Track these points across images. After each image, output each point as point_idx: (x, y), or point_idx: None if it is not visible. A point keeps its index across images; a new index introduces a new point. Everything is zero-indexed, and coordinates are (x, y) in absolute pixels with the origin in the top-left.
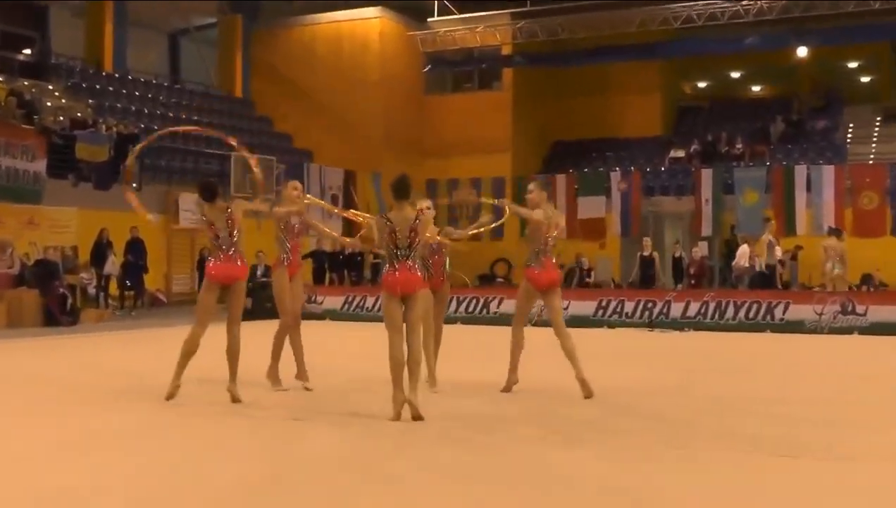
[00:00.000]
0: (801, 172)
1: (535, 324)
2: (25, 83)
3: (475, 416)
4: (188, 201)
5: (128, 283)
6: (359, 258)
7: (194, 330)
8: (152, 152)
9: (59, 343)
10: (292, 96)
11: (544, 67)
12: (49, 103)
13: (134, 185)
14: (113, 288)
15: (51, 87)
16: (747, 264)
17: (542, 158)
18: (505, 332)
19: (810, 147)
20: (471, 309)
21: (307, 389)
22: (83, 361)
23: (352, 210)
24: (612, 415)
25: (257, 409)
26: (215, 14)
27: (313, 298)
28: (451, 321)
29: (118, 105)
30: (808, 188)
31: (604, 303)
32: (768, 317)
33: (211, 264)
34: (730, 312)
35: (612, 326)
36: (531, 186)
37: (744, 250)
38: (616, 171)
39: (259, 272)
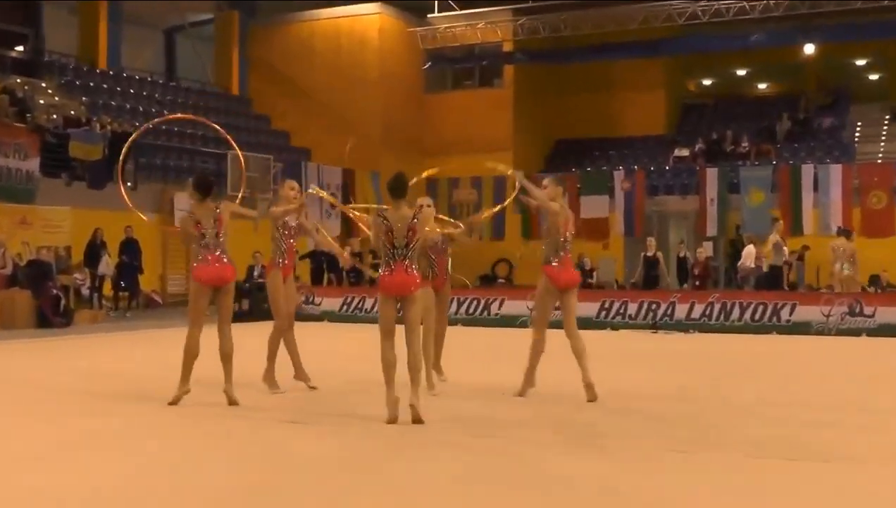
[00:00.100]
0: (807, 171)
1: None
2: (18, 81)
3: (475, 418)
4: (184, 200)
5: (122, 284)
6: (358, 259)
7: (192, 333)
8: (147, 151)
9: (52, 345)
10: (290, 94)
11: (546, 64)
12: (42, 101)
13: (129, 183)
14: (107, 289)
15: (44, 84)
16: (753, 265)
17: (545, 157)
18: (506, 334)
19: (817, 146)
20: (471, 311)
21: (312, 388)
22: (77, 363)
23: (352, 206)
24: (615, 418)
25: (255, 411)
26: (212, 10)
27: (311, 299)
28: (451, 322)
29: (112, 103)
30: (815, 188)
31: (607, 304)
32: (774, 318)
33: (199, 267)
34: (735, 313)
35: (615, 327)
36: (546, 182)
37: (749, 250)
38: (619, 170)
39: (256, 273)
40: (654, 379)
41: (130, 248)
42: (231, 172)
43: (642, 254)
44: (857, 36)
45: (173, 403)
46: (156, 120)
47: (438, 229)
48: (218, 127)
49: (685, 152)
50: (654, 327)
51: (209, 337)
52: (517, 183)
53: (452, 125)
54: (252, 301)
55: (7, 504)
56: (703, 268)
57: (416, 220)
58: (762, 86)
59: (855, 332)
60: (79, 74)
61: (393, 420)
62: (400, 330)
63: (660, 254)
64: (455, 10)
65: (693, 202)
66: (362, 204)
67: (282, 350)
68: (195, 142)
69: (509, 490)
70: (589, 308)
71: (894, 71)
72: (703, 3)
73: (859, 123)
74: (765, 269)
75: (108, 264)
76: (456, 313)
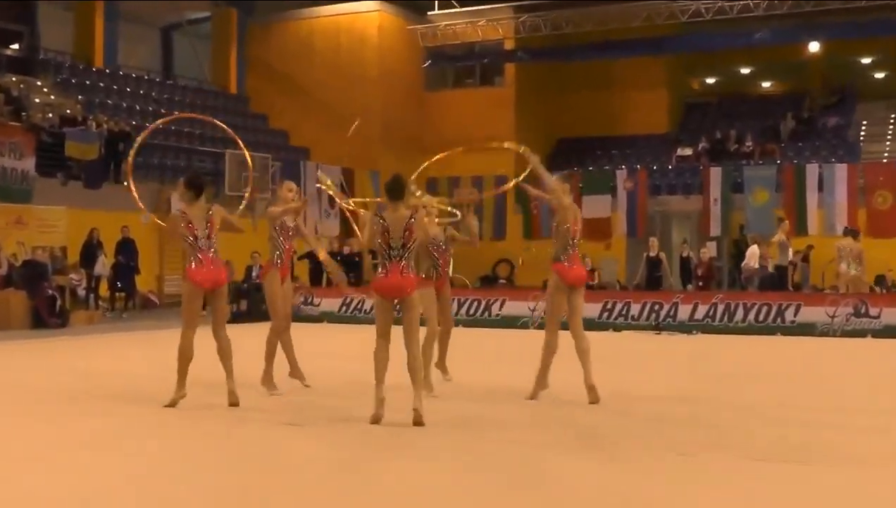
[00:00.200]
0: (812, 170)
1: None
2: (13, 79)
3: (476, 419)
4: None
5: (119, 284)
6: (357, 259)
7: (186, 335)
8: (144, 150)
9: (48, 346)
10: (288, 92)
11: (548, 63)
12: (37, 100)
13: (125, 183)
14: (103, 289)
15: (39, 83)
16: (757, 266)
17: (546, 156)
18: (507, 335)
19: (822, 145)
20: (472, 311)
21: (306, 386)
22: (73, 364)
23: (353, 200)
24: (617, 419)
25: (254, 412)
26: (209, 8)
27: (310, 299)
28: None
29: (109, 102)
30: (820, 187)
31: (609, 305)
32: (779, 320)
33: (195, 269)
34: (739, 314)
35: (617, 328)
36: (553, 179)
37: (753, 250)
38: (622, 169)
39: (254, 273)
40: (656, 381)
41: (127, 248)
42: (229, 172)
43: (645, 254)
44: (862, 34)
45: (172, 405)
46: (164, 119)
47: (437, 221)
48: (225, 127)
49: (688, 152)
50: (657, 328)
51: (207, 339)
52: (529, 167)
53: (453, 124)
54: (250, 302)
55: (6, 505)
56: (706, 269)
57: (412, 220)
58: (766, 84)
59: (860, 333)
60: (75, 73)
61: (376, 420)
62: (399, 332)
63: (662, 254)
64: (456, 7)
65: (696, 202)
66: (361, 198)
67: (279, 351)
68: (192, 141)
69: (510, 490)
70: (591, 309)
71: None
72: (706, 1)
73: (865, 122)
74: (770, 269)
75: (104, 265)
76: (457, 313)
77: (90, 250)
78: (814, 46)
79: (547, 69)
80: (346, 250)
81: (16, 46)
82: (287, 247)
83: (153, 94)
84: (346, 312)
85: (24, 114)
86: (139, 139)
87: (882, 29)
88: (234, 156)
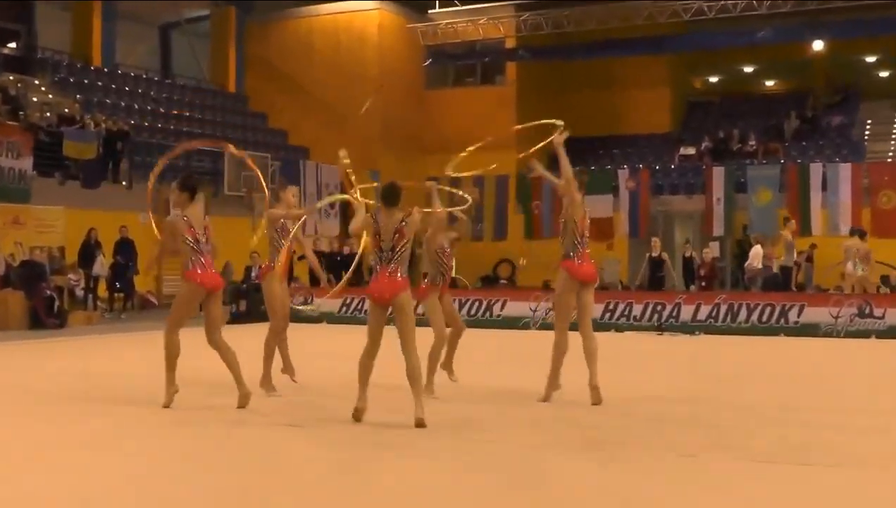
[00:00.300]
0: (816, 170)
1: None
2: (11, 78)
3: (477, 420)
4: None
5: (117, 284)
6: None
7: (174, 331)
8: (143, 149)
9: (46, 347)
10: (288, 91)
11: (549, 61)
12: (35, 99)
13: (124, 183)
14: (101, 290)
15: (37, 82)
16: (760, 266)
17: (548, 156)
18: (508, 335)
19: (826, 144)
20: (473, 312)
21: (294, 382)
22: (71, 364)
23: (357, 190)
24: (619, 420)
25: (254, 413)
26: (208, 6)
27: (310, 300)
28: None
29: (107, 101)
30: (824, 187)
31: (611, 306)
32: (782, 320)
33: (201, 273)
34: (742, 315)
35: (620, 329)
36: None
37: (757, 250)
38: (624, 168)
39: (253, 274)
40: (657, 381)
41: (125, 248)
42: (228, 171)
43: (647, 255)
44: (866, 32)
45: (166, 405)
46: (188, 144)
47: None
48: (245, 155)
49: (691, 151)
50: (660, 328)
51: (201, 339)
52: (544, 143)
53: (453, 123)
54: (250, 302)
55: (6, 505)
56: (709, 269)
57: (404, 223)
58: (769, 83)
59: (864, 334)
60: (72, 72)
61: (354, 419)
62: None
63: (665, 254)
64: (456, 5)
65: (699, 202)
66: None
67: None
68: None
69: (510, 490)
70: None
71: None
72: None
73: (869, 121)
74: (775, 269)
75: (102, 265)
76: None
77: (88, 251)
78: (817, 45)
79: (548, 68)
80: (346, 250)
81: (13, 45)
82: (286, 249)
83: (151, 93)
84: (346, 312)
85: (21, 113)
86: (158, 167)
87: (886, 27)
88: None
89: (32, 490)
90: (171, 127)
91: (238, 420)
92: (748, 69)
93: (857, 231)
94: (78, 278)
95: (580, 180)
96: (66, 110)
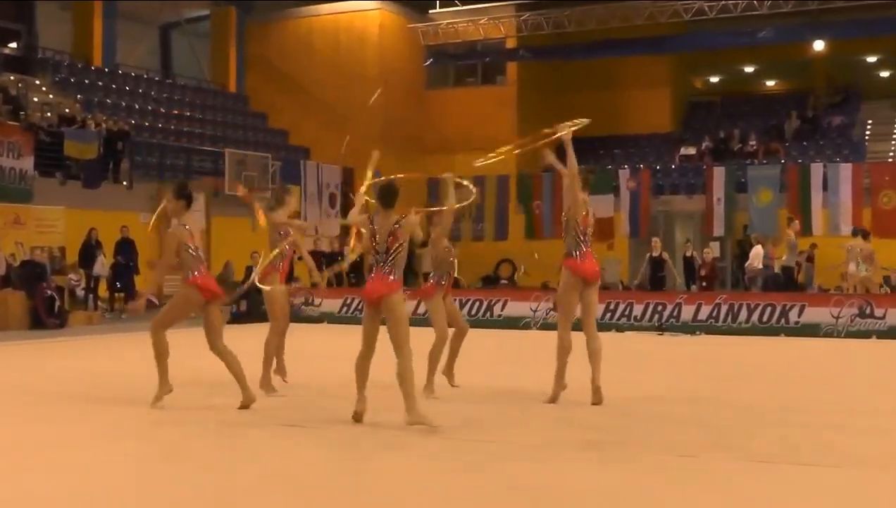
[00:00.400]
0: (817, 170)
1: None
2: (11, 78)
3: (477, 420)
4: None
5: (118, 284)
6: (358, 260)
7: (163, 331)
8: (143, 149)
9: (47, 347)
10: (288, 91)
11: (550, 61)
12: (36, 99)
13: (125, 183)
14: (102, 290)
15: (38, 82)
16: (761, 266)
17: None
18: (509, 335)
19: (827, 144)
20: (474, 312)
21: (285, 382)
22: (71, 365)
23: (363, 188)
24: (619, 420)
25: (254, 413)
26: (208, 6)
27: (310, 300)
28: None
29: (107, 101)
30: (825, 187)
31: (612, 306)
32: (783, 320)
33: (207, 279)
34: (743, 315)
35: (620, 329)
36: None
37: (757, 250)
38: (625, 168)
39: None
40: (658, 381)
41: (126, 248)
42: (228, 171)
43: (647, 255)
44: (867, 32)
45: (157, 402)
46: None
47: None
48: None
49: (691, 151)
50: (660, 328)
51: (199, 339)
52: (557, 134)
53: (454, 123)
54: (250, 303)
55: (6, 505)
56: (709, 269)
57: (398, 225)
58: (770, 83)
59: (865, 334)
60: (73, 72)
61: (354, 419)
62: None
63: (666, 254)
64: (457, 5)
65: (699, 202)
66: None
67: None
68: (192, 140)
69: (510, 491)
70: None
71: None
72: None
73: (870, 122)
74: (776, 269)
75: (103, 265)
76: None
77: (89, 251)
78: (818, 45)
79: (549, 68)
80: (346, 250)
81: (14, 45)
82: (287, 250)
83: (152, 93)
84: (347, 313)
85: (22, 113)
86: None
87: (887, 28)
88: (233, 155)
89: (32, 490)
90: (172, 127)
91: (238, 420)
92: (749, 69)
93: (859, 231)
94: (78, 278)
95: (585, 179)
96: (67, 110)
